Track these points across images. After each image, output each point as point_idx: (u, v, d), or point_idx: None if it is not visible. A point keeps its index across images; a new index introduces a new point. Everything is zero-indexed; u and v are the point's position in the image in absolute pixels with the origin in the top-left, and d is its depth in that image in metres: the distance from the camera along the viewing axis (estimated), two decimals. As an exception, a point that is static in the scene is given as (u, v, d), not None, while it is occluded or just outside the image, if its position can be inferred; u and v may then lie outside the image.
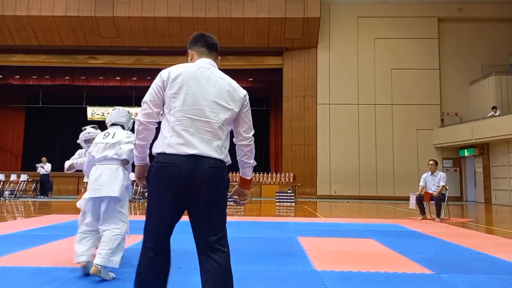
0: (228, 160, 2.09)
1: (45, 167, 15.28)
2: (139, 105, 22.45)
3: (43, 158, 15.60)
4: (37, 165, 15.13)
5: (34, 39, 17.46)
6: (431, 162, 8.88)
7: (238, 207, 10.94)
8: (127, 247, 4.72)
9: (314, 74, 17.85)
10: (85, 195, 3.66)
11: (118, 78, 18.66)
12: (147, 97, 2.08)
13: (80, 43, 17.64)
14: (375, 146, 17.37)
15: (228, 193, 2.13)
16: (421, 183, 8.90)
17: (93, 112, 19.15)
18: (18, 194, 15.13)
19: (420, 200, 8.70)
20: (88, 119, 19.02)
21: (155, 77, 2.11)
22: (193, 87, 2.04)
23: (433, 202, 8.52)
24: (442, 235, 6.21)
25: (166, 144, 1.97)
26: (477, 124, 15.40)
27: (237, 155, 2.20)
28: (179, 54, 17.44)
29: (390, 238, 5.77)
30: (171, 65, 2.17)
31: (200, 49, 2.23)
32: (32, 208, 10.48)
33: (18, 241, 5.06)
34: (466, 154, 16.58)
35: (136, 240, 5.22)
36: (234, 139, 2.17)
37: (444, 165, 16.97)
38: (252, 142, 2.18)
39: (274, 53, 18.10)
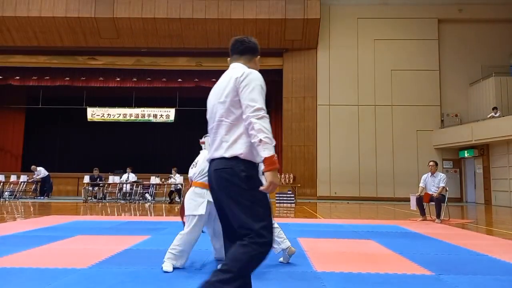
0: (233, 153, 2.04)
1: (40, 173, 15.51)
2: (139, 106, 22.45)
3: (32, 167, 15.75)
4: (33, 177, 15.39)
5: (34, 39, 17.47)
6: (431, 163, 8.87)
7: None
8: (127, 248, 4.73)
9: (314, 75, 17.85)
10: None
11: (118, 79, 18.65)
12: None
13: (80, 44, 17.65)
14: (375, 147, 17.37)
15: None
16: (421, 184, 8.89)
17: (93, 113, 19.12)
18: (18, 195, 15.11)
19: (420, 201, 8.69)
20: (88, 120, 19.01)
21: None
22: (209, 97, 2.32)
23: (433, 203, 8.51)
24: (442, 236, 6.21)
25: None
26: (477, 125, 15.39)
27: None
28: (179, 55, 17.36)
29: (390, 239, 5.77)
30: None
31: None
32: (32, 209, 10.47)
33: (18, 242, 5.05)
34: (466, 155, 16.58)
35: (137, 240, 5.22)
36: None
37: (444, 166, 16.97)
38: (252, 119, 2.01)
39: (274, 54, 18.09)
